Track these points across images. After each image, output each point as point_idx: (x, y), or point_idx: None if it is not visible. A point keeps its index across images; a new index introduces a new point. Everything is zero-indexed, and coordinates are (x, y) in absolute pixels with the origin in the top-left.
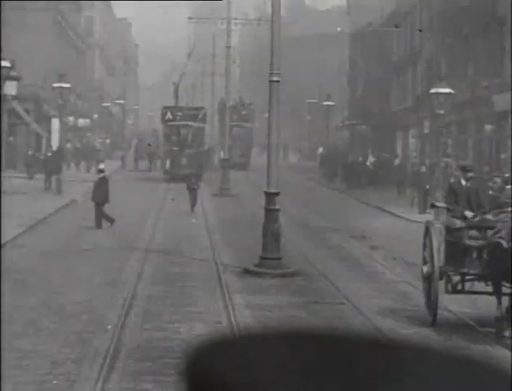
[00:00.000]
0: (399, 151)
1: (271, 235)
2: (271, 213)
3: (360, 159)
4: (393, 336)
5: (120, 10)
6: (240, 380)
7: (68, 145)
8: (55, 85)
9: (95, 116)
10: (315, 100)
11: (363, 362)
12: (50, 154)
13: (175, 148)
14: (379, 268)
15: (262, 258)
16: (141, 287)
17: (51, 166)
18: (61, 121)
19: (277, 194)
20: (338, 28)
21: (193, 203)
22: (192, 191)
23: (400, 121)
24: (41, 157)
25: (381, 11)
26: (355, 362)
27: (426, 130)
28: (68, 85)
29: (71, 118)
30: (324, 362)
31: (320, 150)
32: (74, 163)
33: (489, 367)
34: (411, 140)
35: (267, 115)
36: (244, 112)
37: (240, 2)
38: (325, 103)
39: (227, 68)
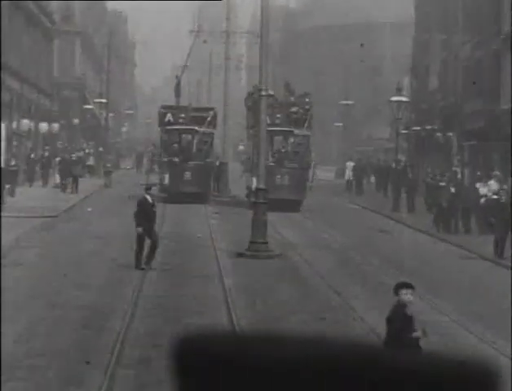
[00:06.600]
0: None
1: None
2: None
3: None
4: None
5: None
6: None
7: None
8: None
9: (76, 120)
10: (351, 102)
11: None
12: None
13: (176, 159)
14: None
15: None
16: None
17: None
18: None
19: None
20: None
21: None
22: None
23: None
24: None
25: None
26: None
27: None
28: None
29: (25, 121)
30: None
31: (350, 165)
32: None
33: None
34: None
35: None
36: (294, 110)
37: None
38: (394, 98)
39: (264, 26)
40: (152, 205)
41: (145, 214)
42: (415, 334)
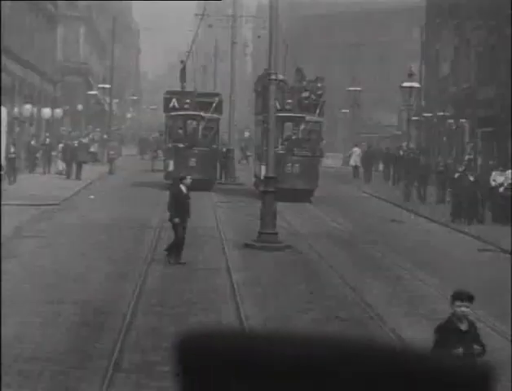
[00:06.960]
0: None
1: None
2: None
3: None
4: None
5: None
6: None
7: None
8: None
9: (80, 106)
10: (358, 89)
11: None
12: None
13: (181, 145)
14: None
15: None
16: None
17: None
18: None
19: None
20: None
21: None
22: None
23: None
24: None
25: None
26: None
27: None
28: None
29: (28, 107)
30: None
31: (356, 151)
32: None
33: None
34: None
35: None
36: (306, 95)
37: None
38: (406, 84)
39: (273, 8)
40: (187, 197)
41: (178, 206)
42: (456, 350)
